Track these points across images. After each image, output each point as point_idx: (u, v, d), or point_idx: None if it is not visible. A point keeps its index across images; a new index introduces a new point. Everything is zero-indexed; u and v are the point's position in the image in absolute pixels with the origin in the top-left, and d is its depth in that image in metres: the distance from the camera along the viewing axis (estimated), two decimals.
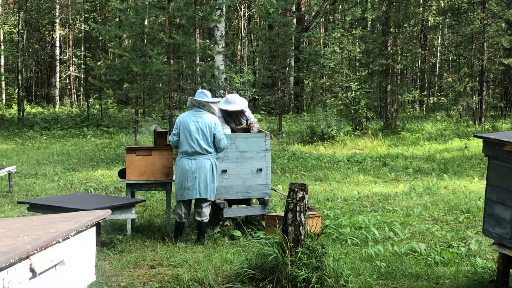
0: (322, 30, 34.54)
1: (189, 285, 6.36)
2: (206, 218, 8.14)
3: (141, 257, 7.42)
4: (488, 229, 6.08)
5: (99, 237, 7.89)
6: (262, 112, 26.44)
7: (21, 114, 28.44)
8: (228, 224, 8.40)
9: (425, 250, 7.55)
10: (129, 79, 20.34)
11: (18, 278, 2.40)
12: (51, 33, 35.50)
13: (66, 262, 2.71)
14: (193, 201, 8.26)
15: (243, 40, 35.06)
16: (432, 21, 29.96)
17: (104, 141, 21.62)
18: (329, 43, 29.45)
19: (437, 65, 32.75)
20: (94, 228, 2.94)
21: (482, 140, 6.22)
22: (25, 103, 30.59)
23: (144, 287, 6.41)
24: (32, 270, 2.48)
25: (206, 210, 8.15)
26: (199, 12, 18.25)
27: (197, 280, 6.46)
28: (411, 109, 28.95)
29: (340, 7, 32.38)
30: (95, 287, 6.27)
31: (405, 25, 26.80)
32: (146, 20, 19.30)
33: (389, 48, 22.66)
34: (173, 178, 8.77)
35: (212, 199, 8.14)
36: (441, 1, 29.19)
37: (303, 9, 30.27)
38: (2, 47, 31.14)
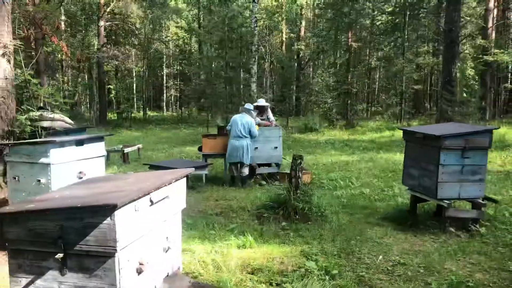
0: (311, 69, 34.33)
1: (237, 210, 6.37)
2: (245, 174, 8.13)
3: (210, 195, 7.44)
4: (405, 181, 6.01)
5: (188, 183, 7.96)
6: (277, 115, 26.41)
7: (145, 116, 28.63)
8: (258, 177, 8.39)
9: (369, 192, 7.48)
10: (204, 97, 20.41)
11: (143, 205, 2.42)
12: (161, 71, 35.65)
13: (170, 197, 2.72)
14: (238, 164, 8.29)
15: (266, 75, 34.93)
16: (373, 64, 29.54)
17: (190, 131, 21.68)
18: (316, 76, 29.19)
19: (376, 88, 32.25)
20: (185, 178, 2.94)
21: (403, 131, 6.14)
22: (147, 109, 30.77)
23: (212, 210, 6.43)
24: (151, 201, 2.49)
25: (245, 169, 8.13)
26: (243, 59, 18.19)
27: (241, 207, 6.47)
28: (361, 114, 28.53)
29: (322, 56, 32.10)
30: (185, 211, 6.34)
31: (357, 66, 26.53)
32: (213, 64, 19.22)
33: (349, 79, 22.48)
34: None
35: (248, 163, 8.13)
36: (379, 53, 28.77)
37: (300, 56, 30.14)
38: (135, 79, 31.35)
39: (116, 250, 2.18)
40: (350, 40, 23.52)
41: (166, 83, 36.72)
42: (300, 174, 5.97)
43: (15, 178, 4.80)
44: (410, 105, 25.36)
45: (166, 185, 2.65)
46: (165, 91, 36.87)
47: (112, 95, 30.12)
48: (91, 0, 26.65)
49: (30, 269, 2.36)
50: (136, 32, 29.40)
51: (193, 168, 3.20)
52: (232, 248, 4.69)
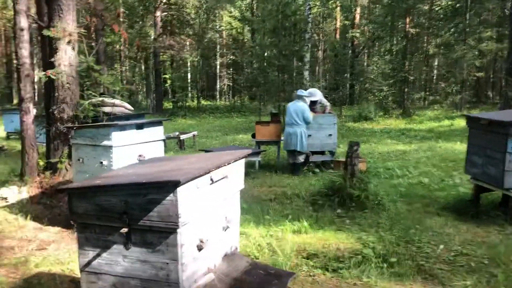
0: (366, 57, 33.49)
1: (291, 197, 6.35)
2: (299, 161, 8.07)
3: (264, 181, 7.46)
4: (468, 169, 5.73)
5: None
6: (330, 104, 26.01)
7: (199, 104, 29.14)
8: (312, 165, 8.30)
9: (428, 182, 7.21)
10: (256, 85, 20.45)
11: (204, 183, 2.44)
12: (214, 61, 36.03)
13: (229, 177, 2.73)
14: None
15: (319, 63, 34.46)
16: (431, 51, 28.33)
17: (242, 119, 21.86)
18: (371, 63, 28.46)
19: (435, 76, 30.96)
20: (243, 160, 2.94)
21: (466, 117, 5.87)
22: (200, 98, 31.28)
23: (266, 196, 6.45)
24: (211, 179, 2.51)
25: (300, 156, 8.07)
26: (296, 47, 18.02)
27: (295, 194, 6.44)
28: (418, 102, 27.48)
29: (377, 43, 31.21)
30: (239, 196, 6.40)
31: (415, 53, 25.57)
32: (266, 52, 19.15)
33: (406, 66, 21.73)
34: (281, 138, 8.76)
35: (303, 151, 8.05)
36: (437, 39, 27.51)
37: (355, 43, 29.46)
38: (189, 69, 31.89)
39: (178, 225, 2.22)
40: (407, 26, 22.67)
41: (219, 72, 37.09)
42: (356, 161, 5.85)
43: (79, 160, 5.03)
44: (471, 94, 24.21)
45: (225, 165, 2.67)
46: (218, 81, 37.27)
47: (167, 84, 30.85)
48: None
49: (96, 243, 2.45)
50: (191, 22, 29.86)
51: (251, 150, 3.20)
52: (287, 233, 4.68)
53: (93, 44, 19.90)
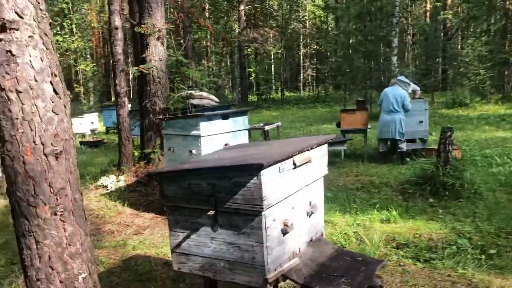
0: (459, 39, 31.30)
1: (379, 186, 6.15)
2: (403, 150, 7.72)
3: (350, 170, 7.30)
4: None
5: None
6: (421, 90, 24.72)
7: (282, 96, 29.24)
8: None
9: None
10: (341, 73, 20.04)
11: (287, 167, 2.43)
12: (298, 52, 35.88)
13: (312, 161, 2.70)
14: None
15: (408, 48, 32.91)
16: None
17: (326, 109, 21.58)
18: (465, 46, 26.52)
19: None
20: (326, 145, 2.88)
21: None
22: (284, 90, 31.35)
23: (352, 185, 6.31)
24: (294, 163, 2.50)
25: (403, 145, 7.69)
26: (383, 32, 17.34)
27: (383, 183, 6.23)
28: None
29: (472, 24, 28.99)
30: (325, 185, 6.33)
31: None
32: (351, 39, 18.66)
33: (506, 47, 19.96)
34: (368, 126, 8.50)
35: (402, 139, 7.70)
36: None
37: (447, 25, 27.65)
38: (273, 61, 32.09)
39: (262, 208, 2.24)
40: (507, 2, 20.80)
41: (303, 63, 36.91)
42: (450, 148, 5.51)
43: (170, 149, 5.28)
44: None
45: (308, 150, 2.64)
46: (301, 71, 37.10)
47: (252, 77, 31.33)
48: None
49: (186, 225, 2.55)
50: (274, 14, 29.99)
51: (334, 135, 3.13)
52: (375, 222, 4.55)
53: (181, 41, 20.80)
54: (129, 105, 9.57)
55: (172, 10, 25.42)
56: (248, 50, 29.71)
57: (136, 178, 6.42)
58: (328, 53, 31.06)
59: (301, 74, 37.24)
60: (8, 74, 1.64)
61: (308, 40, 35.93)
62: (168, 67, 6.60)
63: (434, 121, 13.01)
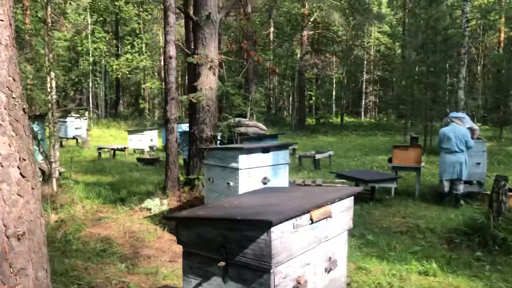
0: None
1: (424, 231, 5.84)
2: (460, 191, 7.30)
3: (397, 211, 6.99)
4: None
5: (374, 195, 7.66)
6: (489, 124, 23.42)
7: (342, 121, 28.84)
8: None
9: None
10: (402, 103, 19.48)
11: (302, 222, 2.36)
12: (360, 77, 35.40)
13: (333, 216, 2.60)
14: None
15: (478, 79, 31.46)
16: None
17: (386, 138, 21.00)
18: None
19: None
20: (352, 197, 2.76)
21: None
22: (344, 115, 30.92)
23: (397, 228, 6.03)
24: (311, 219, 2.42)
25: (460, 186, 7.30)
26: (448, 63, 16.72)
27: (429, 229, 5.90)
28: None
29: None
30: (368, 225, 6.10)
31: None
32: (415, 69, 18.13)
33: None
34: (421, 164, 8.14)
35: (462, 179, 7.31)
36: None
37: None
38: (334, 85, 31.87)
39: (271, 266, 2.18)
40: None
41: (365, 88, 36.35)
42: (504, 198, 5.13)
43: (209, 179, 5.33)
44: None
45: (329, 204, 2.54)
46: (363, 97, 36.53)
47: (311, 101, 31.24)
48: (296, 12, 28.10)
49: (198, 272, 2.53)
50: (338, 39, 29.88)
51: (361, 188, 3.00)
52: (412, 274, 4.29)
53: (244, 63, 21.20)
54: (186, 125, 9.82)
55: (235, 35, 26.08)
56: (309, 74, 29.72)
57: (179, 203, 6.53)
58: (394, 79, 30.41)
59: (363, 100, 36.64)
60: None
61: (372, 66, 35.40)
62: (217, 96, 6.72)
63: (499, 160, 12.24)
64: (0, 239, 1.78)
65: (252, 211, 2.43)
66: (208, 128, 6.62)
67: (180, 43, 7.06)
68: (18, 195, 1.83)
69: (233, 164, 4.96)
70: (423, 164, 8.27)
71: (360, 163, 12.48)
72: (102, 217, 6.40)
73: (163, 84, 6.90)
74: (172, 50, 6.38)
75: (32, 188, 1.91)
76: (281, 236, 2.22)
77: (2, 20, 1.70)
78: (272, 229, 2.15)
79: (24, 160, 1.85)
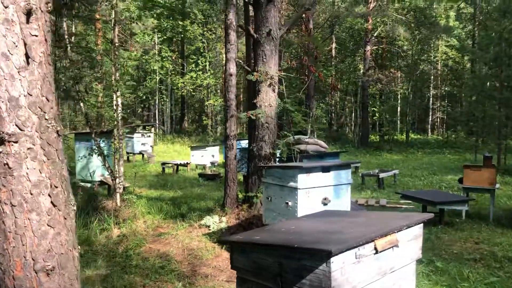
0: None
1: (501, 260, 5.32)
2: None
3: (469, 235, 6.47)
4: None
5: (443, 218, 7.16)
6: None
7: (407, 138, 27.78)
8: None
9: None
10: (471, 119, 18.42)
11: (366, 252, 2.16)
12: (427, 93, 33.98)
13: (399, 245, 2.37)
14: None
15: None
16: None
17: (455, 157, 19.86)
18: None
19: None
20: (421, 225, 2.52)
21: None
22: (409, 132, 29.75)
23: (469, 255, 5.55)
24: (375, 249, 2.21)
25: None
26: None
27: (507, 257, 5.38)
28: None
29: None
30: (437, 251, 5.67)
31: None
32: (486, 84, 17.10)
33: None
34: (496, 186, 7.53)
35: None
36: None
37: None
38: (399, 101, 30.79)
39: None
40: None
41: (432, 104, 34.84)
42: None
43: (268, 198, 5.20)
44: None
45: (395, 232, 2.32)
46: (430, 113, 35.00)
47: (375, 117, 30.39)
48: (359, 27, 27.65)
49: None
50: (403, 54, 28.98)
51: (432, 214, 2.73)
52: None
53: (305, 79, 21.08)
54: (246, 141, 9.79)
55: (296, 51, 26.04)
56: (373, 89, 28.99)
57: (237, 221, 6.45)
58: (463, 95, 28.95)
59: (430, 116, 35.12)
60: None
61: (439, 82, 33.94)
62: (277, 113, 6.61)
63: None
64: (28, 274, 1.67)
65: (311, 239, 2.25)
66: (267, 146, 6.52)
67: (240, 61, 7.06)
68: (48, 225, 1.71)
69: (292, 184, 4.80)
70: (497, 185, 7.65)
71: (427, 183, 11.82)
72: (162, 233, 6.45)
73: (224, 101, 6.90)
74: (232, 68, 6.38)
75: (65, 218, 1.79)
76: (342, 267, 2.03)
77: (37, 36, 1.61)
78: (332, 259, 1.97)
79: (56, 187, 1.73)
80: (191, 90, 27.18)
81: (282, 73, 6.50)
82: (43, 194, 1.67)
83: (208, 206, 7.84)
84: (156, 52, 26.91)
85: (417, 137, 31.88)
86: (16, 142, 1.60)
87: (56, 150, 1.73)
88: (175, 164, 14.64)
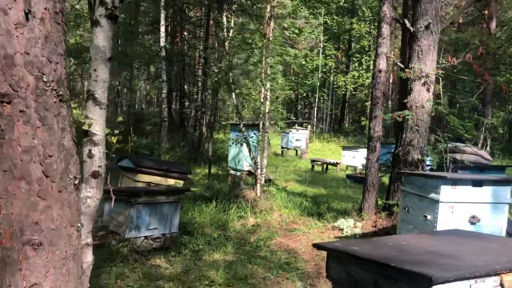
0: None
1: None
2: None
3: None
4: None
5: None
6: None
7: None
8: None
9: None
10: None
11: (486, 286, 1.73)
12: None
13: None
14: None
15: None
16: None
17: None
18: None
19: None
20: None
21: None
22: None
23: None
24: (501, 285, 1.75)
25: None
26: None
27: None
28: None
29: None
30: None
31: None
32: None
33: None
34: None
35: None
36: None
37: None
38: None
39: None
40: None
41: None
42: None
43: (405, 208, 4.72)
44: None
45: None
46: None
47: None
48: None
49: None
50: None
51: None
52: None
53: (481, 82, 18.94)
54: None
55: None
56: None
57: (374, 228, 6.03)
58: None
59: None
60: None
61: None
62: (430, 116, 5.97)
63: None
64: (15, 245, 1.53)
65: (416, 259, 1.90)
66: (415, 151, 5.93)
67: (392, 56, 6.55)
68: (38, 197, 1.54)
69: (433, 195, 4.26)
70: None
71: None
72: (294, 229, 6.40)
73: (370, 99, 6.52)
74: (382, 63, 5.96)
75: (59, 191, 1.60)
76: None
77: None
78: (434, 287, 1.62)
79: (50, 156, 1.55)
80: (352, 89, 26.64)
81: (440, 71, 5.81)
82: (34, 162, 1.52)
83: (346, 208, 7.53)
84: (320, 50, 27.04)
85: None
86: (8, 103, 1.46)
87: (55, 116, 1.57)
88: (324, 163, 14.51)
